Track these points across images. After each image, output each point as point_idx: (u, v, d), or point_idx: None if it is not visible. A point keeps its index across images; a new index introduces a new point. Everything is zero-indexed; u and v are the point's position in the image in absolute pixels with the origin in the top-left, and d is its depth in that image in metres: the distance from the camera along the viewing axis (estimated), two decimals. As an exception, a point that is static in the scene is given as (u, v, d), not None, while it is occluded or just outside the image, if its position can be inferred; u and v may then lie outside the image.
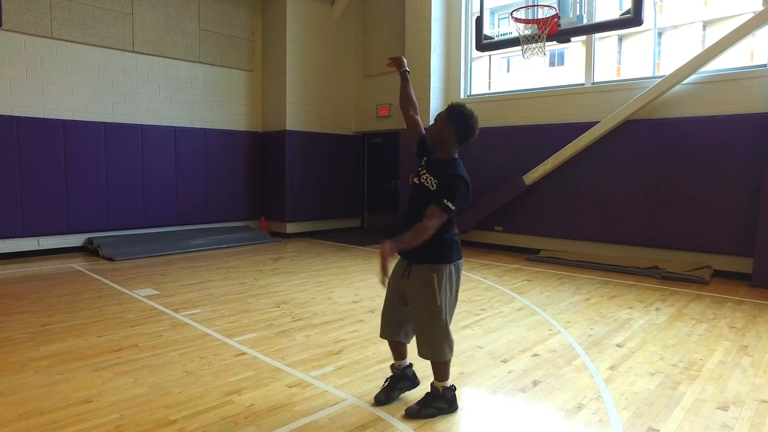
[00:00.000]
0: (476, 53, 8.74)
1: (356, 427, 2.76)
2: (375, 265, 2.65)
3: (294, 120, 10.22)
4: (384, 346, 4.04)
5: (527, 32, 5.79)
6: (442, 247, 2.76)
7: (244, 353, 3.89)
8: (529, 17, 5.90)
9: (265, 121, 10.65)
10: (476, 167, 8.84)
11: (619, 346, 4.07)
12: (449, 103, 2.87)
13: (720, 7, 22.30)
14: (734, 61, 7.16)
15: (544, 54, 5.90)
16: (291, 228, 10.36)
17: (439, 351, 2.83)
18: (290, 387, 3.29)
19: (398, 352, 3.13)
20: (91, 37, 8.29)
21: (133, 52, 8.80)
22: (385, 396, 3.05)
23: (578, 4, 5.84)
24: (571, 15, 5.87)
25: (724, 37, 6.48)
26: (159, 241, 8.78)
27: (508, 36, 6.15)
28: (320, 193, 10.80)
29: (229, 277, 6.64)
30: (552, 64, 27.67)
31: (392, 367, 3.17)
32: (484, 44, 6.64)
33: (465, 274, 6.64)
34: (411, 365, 3.18)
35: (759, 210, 6.28)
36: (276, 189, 10.44)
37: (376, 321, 4.75)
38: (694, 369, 3.61)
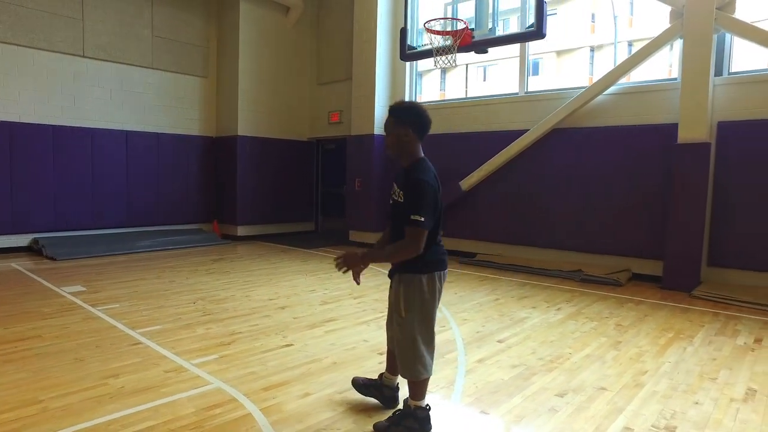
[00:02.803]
0: (426, 65, 9.02)
1: (207, 407, 2.96)
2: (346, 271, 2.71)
3: (246, 125, 10.43)
4: (273, 338, 4.24)
5: (447, 43, 6.07)
6: (416, 258, 2.56)
7: (140, 343, 4.07)
8: (445, 29, 6.19)
9: (219, 126, 10.85)
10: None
11: (500, 341, 4.31)
12: (388, 109, 2.71)
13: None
14: (658, 74, 7.53)
15: (455, 64, 6.17)
16: (242, 231, 10.54)
17: (410, 368, 2.62)
18: (167, 372, 3.48)
19: (389, 363, 2.98)
20: (39, 41, 8.45)
21: (83, 56, 8.97)
22: (363, 385, 3.07)
23: (491, 19, 6.15)
24: (483, 27, 6.17)
25: (638, 52, 6.84)
26: (106, 243, 8.91)
27: (429, 47, 6.43)
28: (273, 197, 10.99)
29: (161, 276, 6.80)
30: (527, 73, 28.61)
31: (381, 374, 3.07)
32: (408, 54, 6.93)
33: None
34: (397, 388, 3.00)
35: (668, 215, 6.59)
36: (228, 193, 10.62)
37: (283, 315, 4.98)
38: (557, 362, 3.85)
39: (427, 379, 2.68)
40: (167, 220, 10.23)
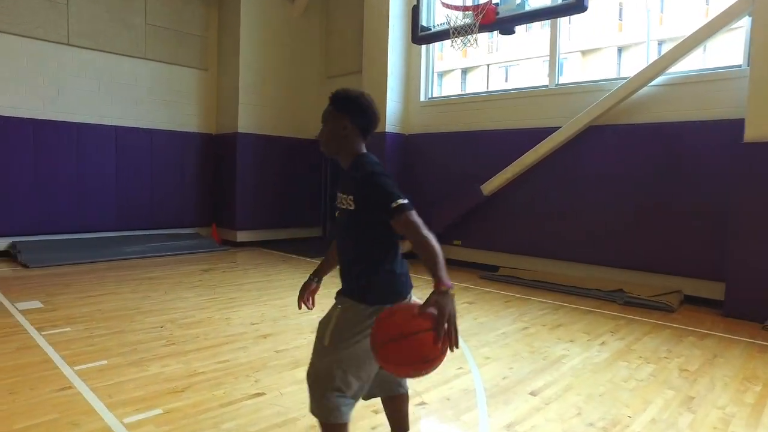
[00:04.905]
0: (445, 54, 8.07)
1: None
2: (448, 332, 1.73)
3: (247, 122, 9.57)
4: (241, 383, 3.31)
5: (467, 21, 5.10)
6: (365, 282, 2.04)
7: (70, 387, 3.18)
8: (461, 4, 5.21)
9: (219, 122, 10.01)
10: (432, 175, 8.16)
11: (533, 394, 3.32)
12: (330, 96, 2.17)
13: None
14: (710, 61, 6.45)
15: (476, 45, 5.18)
16: (242, 236, 9.67)
17: (319, 404, 2.05)
18: (83, 440, 2.57)
19: (392, 423, 2.40)
20: (17, 26, 7.69)
21: (68, 44, 8.19)
22: None
23: (522, -10, 5.16)
24: (510, 1, 5.17)
25: (693, 34, 5.78)
26: (91, 248, 8.12)
27: (446, 26, 5.45)
28: (276, 200, 10.11)
29: (137, 289, 5.94)
30: (558, 63, 27.56)
31: None
32: (421, 36, 5.96)
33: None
34: None
35: (731, 228, 5.52)
36: (227, 195, 9.77)
37: (263, 347, 4.06)
38: (613, 431, 2.85)
39: (345, 426, 2.03)
40: (161, 224, 9.41)
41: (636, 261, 6.41)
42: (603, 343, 4.45)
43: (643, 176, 6.32)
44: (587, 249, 6.79)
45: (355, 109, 2.10)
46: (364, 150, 2.16)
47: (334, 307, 2.13)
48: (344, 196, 2.09)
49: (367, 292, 2.03)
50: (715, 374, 3.73)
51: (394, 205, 1.87)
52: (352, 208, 2.03)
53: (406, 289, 2.09)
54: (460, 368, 3.72)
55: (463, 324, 4.88)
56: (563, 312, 5.50)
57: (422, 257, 1.79)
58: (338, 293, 2.16)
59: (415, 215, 1.87)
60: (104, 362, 3.63)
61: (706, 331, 4.88)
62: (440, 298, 1.70)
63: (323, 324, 2.12)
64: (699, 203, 5.92)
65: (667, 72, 6.12)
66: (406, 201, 1.89)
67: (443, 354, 1.73)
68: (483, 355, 4.03)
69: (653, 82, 6.22)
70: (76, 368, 3.49)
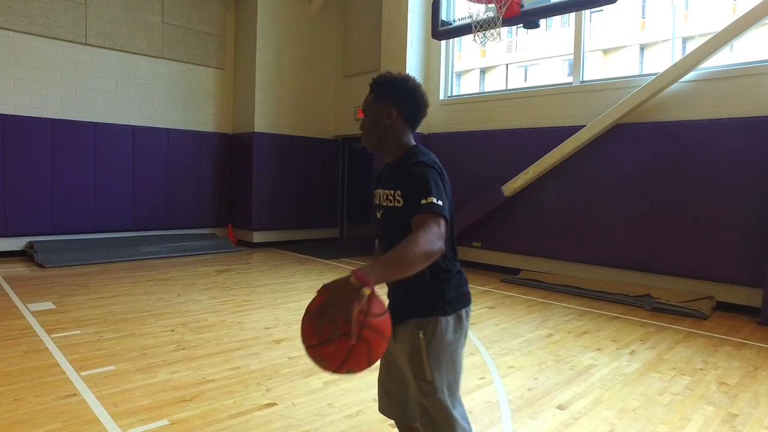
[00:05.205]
0: (464, 54, 7.86)
1: None
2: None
3: (264, 121, 9.47)
4: (252, 392, 3.16)
5: (489, 14, 4.89)
6: (433, 290, 1.74)
7: (75, 394, 3.06)
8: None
9: (236, 122, 9.93)
10: (452, 175, 7.86)
11: (560, 408, 3.11)
12: (370, 82, 1.85)
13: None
14: (744, 56, 6.14)
15: (499, 39, 4.97)
16: (258, 237, 9.57)
17: None
18: (84, 452, 2.44)
19: None
20: (37, 26, 7.69)
21: (86, 44, 8.18)
22: None
23: (547, -19, 4.93)
24: (536, -7, 4.96)
25: (734, 22, 5.49)
26: (107, 248, 8.09)
27: (467, 20, 5.25)
28: (294, 200, 9.99)
29: (150, 291, 5.85)
30: (582, 57, 27.15)
31: None
32: (441, 31, 5.76)
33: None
34: None
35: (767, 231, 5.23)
36: (243, 195, 9.69)
37: (276, 353, 3.91)
38: (650, 447, 2.63)
39: None
40: (177, 224, 9.36)
41: (663, 264, 6.13)
42: (632, 352, 4.21)
43: (671, 176, 6.04)
44: (612, 252, 6.52)
45: (400, 95, 1.80)
46: (413, 142, 1.85)
47: (407, 335, 1.77)
48: (389, 192, 1.79)
49: (438, 301, 1.74)
50: (759, 389, 3.47)
51: (423, 201, 1.59)
52: (400, 205, 1.73)
53: (470, 294, 1.86)
54: (482, 378, 3.53)
55: (484, 330, 4.68)
56: (588, 318, 5.26)
57: (401, 249, 1.44)
58: (398, 315, 1.74)
59: (438, 221, 1.55)
60: (112, 368, 3.51)
61: (742, 341, 4.60)
62: (341, 284, 1.36)
63: (412, 361, 1.75)
64: (733, 204, 5.62)
65: (699, 67, 5.83)
66: (441, 203, 1.59)
67: (322, 347, 1.35)
68: (506, 363, 3.82)
69: (685, 77, 5.94)
70: (83, 374, 3.38)
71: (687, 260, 5.94)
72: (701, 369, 3.84)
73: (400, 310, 1.76)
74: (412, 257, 1.43)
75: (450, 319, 1.74)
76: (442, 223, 1.56)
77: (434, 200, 1.59)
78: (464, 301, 1.81)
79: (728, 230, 5.65)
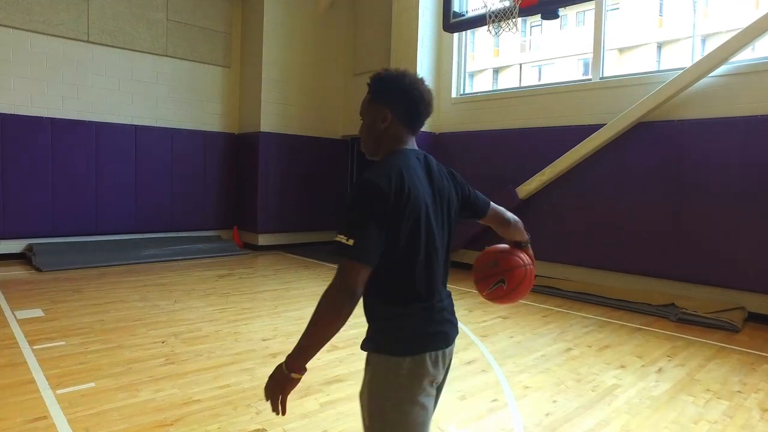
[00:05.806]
0: (476, 54, 7.53)
1: None
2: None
3: (270, 121, 9.20)
4: (240, 415, 2.86)
5: (505, 4, 4.56)
6: (386, 324, 1.49)
7: (45, 417, 2.79)
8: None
9: (242, 121, 9.68)
10: (463, 176, 7.58)
11: (583, 435, 2.77)
12: (368, 81, 1.60)
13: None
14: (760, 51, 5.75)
15: (515, 30, 4.63)
16: (263, 240, 9.30)
17: None
18: (42, 490, 2.16)
19: None
20: (38, 23, 7.49)
21: (87, 42, 7.97)
22: None
23: (567, -32, 4.58)
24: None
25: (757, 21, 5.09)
26: (108, 251, 7.88)
27: (482, 12, 4.92)
28: (301, 202, 9.71)
29: (148, 297, 5.60)
30: (602, 52, 26.71)
31: None
32: (453, 23, 5.44)
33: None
34: None
35: (809, 239, 4.82)
36: (248, 196, 9.43)
37: (270, 369, 3.58)
38: (689, 490, 2.29)
39: None
40: (181, 226, 9.12)
41: (689, 272, 5.74)
42: (660, 370, 3.84)
43: (697, 177, 5.65)
44: (633, 258, 6.14)
45: (395, 94, 1.55)
46: (409, 146, 1.59)
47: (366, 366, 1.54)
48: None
49: (389, 337, 1.48)
50: (806, 416, 3.10)
51: (336, 239, 1.39)
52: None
53: (444, 336, 1.52)
54: (495, 400, 3.19)
55: (497, 343, 4.35)
56: (609, 330, 4.89)
57: (307, 324, 1.37)
58: (363, 345, 1.54)
59: (346, 269, 1.36)
60: (92, 385, 3.24)
61: (781, 358, 4.22)
62: (274, 373, 1.43)
63: (361, 403, 1.53)
64: (765, 207, 5.22)
65: (730, 61, 5.44)
66: (351, 242, 1.35)
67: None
68: (521, 383, 3.48)
69: (714, 72, 5.55)
70: (59, 392, 3.11)
71: (715, 267, 5.55)
72: (739, 392, 3.47)
73: (365, 338, 1.52)
74: (321, 326, 1.36)
75: (403, 362, 1.42)
76: (351, 269, 1.35)
77: (343, 239, 1.37)
78: (429, 341, 1.47)
79: (762, 236, 5.25)
